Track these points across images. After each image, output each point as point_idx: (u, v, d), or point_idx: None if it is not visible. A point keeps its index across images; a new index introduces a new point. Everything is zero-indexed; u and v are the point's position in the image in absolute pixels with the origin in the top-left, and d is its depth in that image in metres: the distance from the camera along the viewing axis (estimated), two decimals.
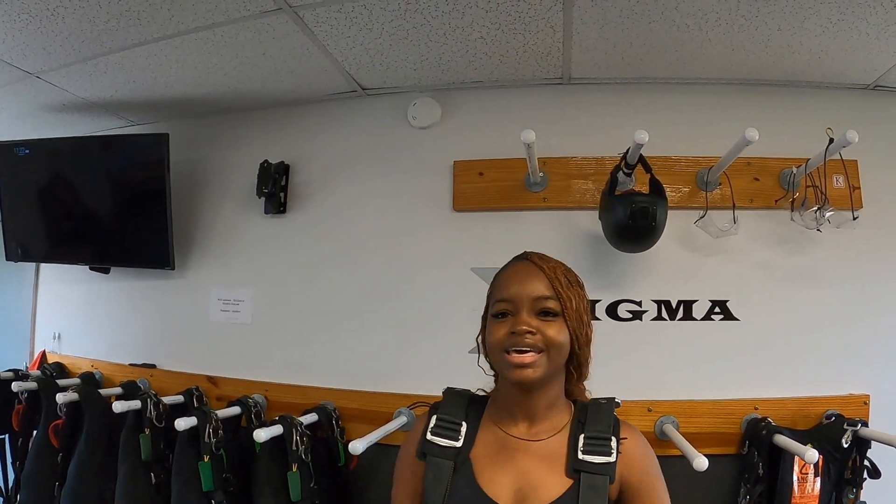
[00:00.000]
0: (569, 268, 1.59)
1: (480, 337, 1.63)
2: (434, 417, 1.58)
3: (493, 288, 1.59)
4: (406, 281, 2.87)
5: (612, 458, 1.45)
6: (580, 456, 1.45)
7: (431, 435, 1.54)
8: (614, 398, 1.61)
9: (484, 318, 1.62)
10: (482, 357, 1.63)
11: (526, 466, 1.47)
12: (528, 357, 1.43)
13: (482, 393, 1.68)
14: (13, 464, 3.10)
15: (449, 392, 1.66)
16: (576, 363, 1.55)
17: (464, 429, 1.55)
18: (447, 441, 1.52)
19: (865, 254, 2.64)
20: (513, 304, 1.48)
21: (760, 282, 2.65)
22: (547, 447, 1.50)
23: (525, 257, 1.59)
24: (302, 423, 2.45)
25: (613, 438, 1.49)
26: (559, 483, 1.43)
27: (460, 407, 1.60)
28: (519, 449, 1.50)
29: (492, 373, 1.63)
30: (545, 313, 1.47)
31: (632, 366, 2.61)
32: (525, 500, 1.42)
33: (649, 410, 2.53)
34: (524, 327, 1.44)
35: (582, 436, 1.49)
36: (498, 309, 1.51)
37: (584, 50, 2.56)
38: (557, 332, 1.46)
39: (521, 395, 1.51)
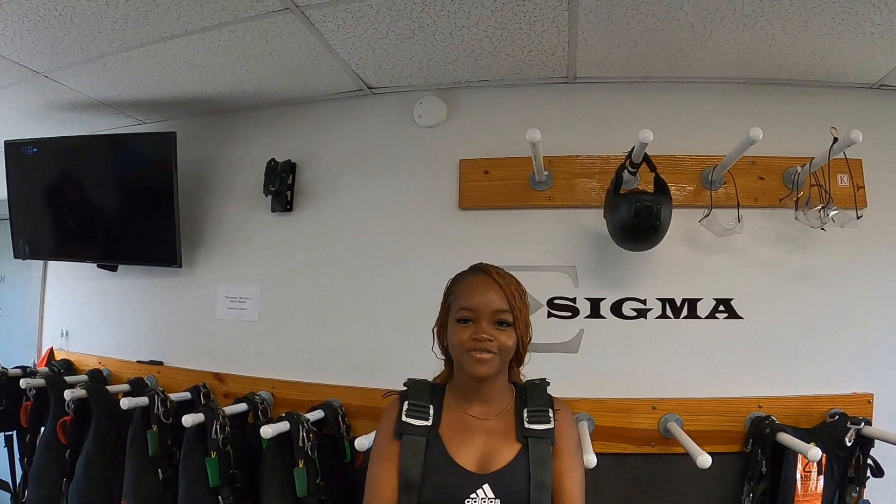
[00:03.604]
0: (518, 281, 1.84)
1: (437, 329, 1.94)
2: (406, 403, 1.82)
3: (455, 294, 1.84)
4: (411, 278, 2.88)
5: (551, 426, 1.75)
6: (526, 425, 1.75)
7: (406, 417, 1.78)
8: (545, 378, 1.88)
9: (442, 314, 1.91)
10: (436, 345, 1.96)
11: (484, 439, 1.74)
12: (486, 356, 1.71)
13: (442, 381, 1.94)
14: (21, 460, 3.11)
15: (412, 382, 1.90)
16: (517, 358, 1.86)
17: (431, 410, 1.80)
18: (420, 421, 1.77)
19: (869, 252, 2.64)
20: (475, 313, 1.74)
21: (765, 280, 2.66)
22: (498, 423, 1.78)
23: (484, 271, 1.84)
24: (308, 420, 2.47)
25: (550, 410, 1.78)
26: (512, 448, 1.72)
27: (426, 393, 1.85)
28: (477, 426, 1.77)
29: (442, 357, 1.95)
30: (500, 323, 1.74)
31: (636, 364, 2.63)
32: (487, 465, 1.69)
33: (654, 408, 2.54)
34: (484, 335, 1.71)
35: (526, 409, 1.78)
36: (461, 315, 1.76)
37: (589, 49, 2.57)
38: (508, 338, 1.74)
39: (476, 383, 1.78)
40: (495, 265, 1.86)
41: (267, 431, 2.28)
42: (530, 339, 1.84)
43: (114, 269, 3.45)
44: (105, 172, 3.28)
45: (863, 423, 2.28)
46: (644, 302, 2.69)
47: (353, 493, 2.64)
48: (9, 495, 3.14)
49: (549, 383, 1.86)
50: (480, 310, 1.72)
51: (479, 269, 1.85)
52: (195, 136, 3.34)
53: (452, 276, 1.91)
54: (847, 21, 2.27)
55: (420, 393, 1.84)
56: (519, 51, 2.59)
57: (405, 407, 1.80)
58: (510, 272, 1.84)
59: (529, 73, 2.80)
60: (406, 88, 3.01)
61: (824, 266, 2.65)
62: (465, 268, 1.87)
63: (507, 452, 1.70)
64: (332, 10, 2.31)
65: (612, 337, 2.67)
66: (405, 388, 1.88)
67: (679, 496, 2.51)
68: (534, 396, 1.81)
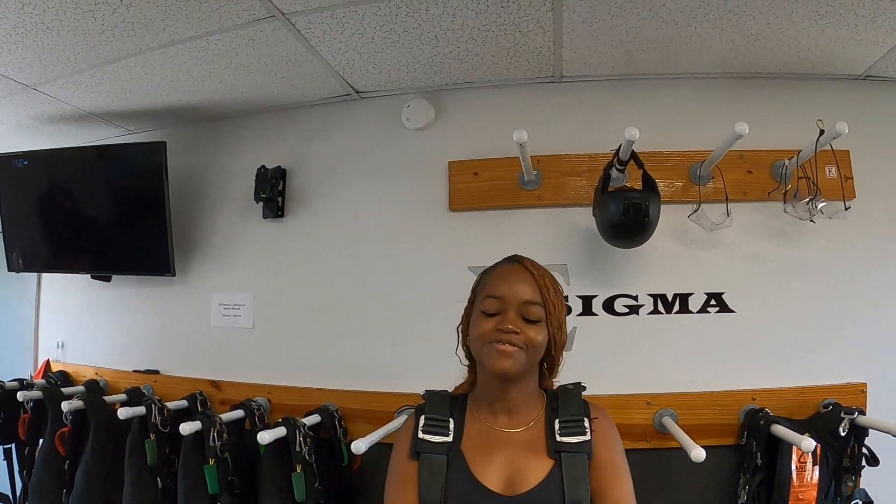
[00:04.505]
0: (554, 277, 1.70)
1: (461, 326, 1.78)
2: (423, 417, 1.67)
3: (482, 284, 1.70)
4: (404, 281, 2.89)
5: (588, 437, 1.58)
6: (558, 438, 1.58)
7: (423, 433, 1.64)
8: (580, 383, 1.72)
9: (468, 310, 1.75)
10: (460, 347, 1.80)
11: (511, 454, 1.58)
12: (510, 349, 1.55)
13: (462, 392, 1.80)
14: (20, 472, 3.11)
15: (430, 393, 1.76)
16: (550, 362, 1.71)
17: (451, 424, 1.65)
18: (439, 437, 1.62)
19: (859, 242, 2.66)
20: (502, 302, 1.59)
21: (755, 273, 2.67)
22: (527, 435, 1.62)
23: (517, 260, 1.70)
24: (305, 425, 2.47)
25: (586, 419, 1.61)
26: (543, 465, 1.55)
27: (444, 405, 1.70)
28: (503, 439, 1.61)
29: (467, 363, 1.79)
30: (530, 316, 1.58)
31: (629, 360, 2.64)
32: (515, 485, 1.53)
33: (648, 404, 2.56)
34: (510, 326, 1.56)
35: (557, 420, 1.61)
36: (487, 305, 1.61)
37: (575, 48, 2.58)
38: (538, 333, 1.58)
39: (500, 388, 1.63)
40: (529, 258, 1.73)
41: (264, 437, 2.27)
42: (564, 342, 1.69)
43: (107, 279, 3.45)
44: (96, 183, 3.28)
45: (857, 413, 2.27)
46: (636, 298, 2.70)
47: (352, 496, 2.65)
48: None
49: (584, 388, 1.71)
50: (508, 299, 1.59)
51: (512, 259, 1.72)
52: (185, 144, 3.35)
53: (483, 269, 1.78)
54: (831, 13, 2.28)
55: (438, 406, 1.70)
56: (504, 52, 2.60)
57: (422, 422, 1.66)
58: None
59: (516, 73, 2.81)
60: (393, 92, 3.01)
61: (814, 257, 2.66)
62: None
63: (537, 470, 1.54)
64: (318, 17, 2.32)
65: (604, 334, 2.68)
66: (422, 402, 1.74)
67: (676, 491, 2.52)
68: (566, 404, 1.66)
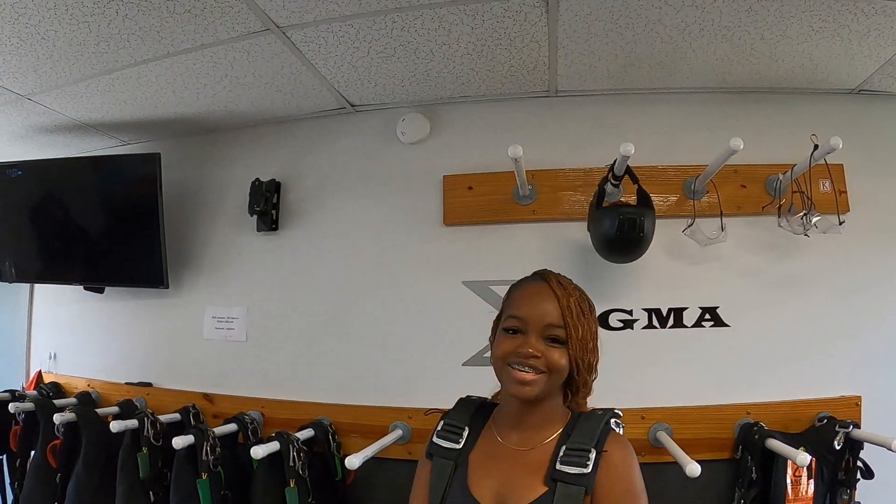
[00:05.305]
0: (583, 294, 1.64)
1: (491, 337, 1.68)
2: (441, 422, 1.70)
3: (507, 301, 1.65)
4: (398, 295, 2.89)
5: (587, 470, 1.46)
6: (557, 466, 1.48)
7: (437, 437, 1.67)
8: (612, 409, 1.63)
9: (495, 323, 1.69)
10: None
11: (510, 472, 1.53)
12: (529, 375, 1.49)
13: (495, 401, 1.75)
14: (11, 485, 3.09)
15: (460, 400, 1.77)
16: (574, 386, 1.59)
17: (465, 433, 1.65)
18: (449, 443, 1.63)
19: (852, 257, 2.66)
20: (524, 323, 1.53)
21: (749, 288, 2.67)
22: (533, 456, 1.54)
23: (544, 277, 1.62)
24: (298, 439, 2.46)
25: (594, 451, 1.49)
26: (535, 490, 1.47)
27: (466, 413, 1.70)
28: (508, 456, 1.57)
29: None
30: (552, 339, 1.51)
31: (624, 374, 2.59)
32: (503, 503, 1.48)
33: (642, 418, 2.55)
34: (530, 350, 1.49)
35: (564, 447, 1.51)
36: (509, 324, 1.56)
37: (570, 63, 2.58)
38: (562, 356, 1.51)
39: (518, 406, 1.58)
40: (559, 273, 1.66)
41: (258, 452, 2.26)
42: (591, 365, 1.59)
43: (100, 290, 3.43)
44: (90, 194, 3.28)
45: (851, 427, 2.28)
46: (630, 313, 2.70)
47: None
48: None
49: (618, 415, 1.63)
50: (530, 321, 1.52)
51: (539, 276, 1.63)
52: (179, 156, 3.33)
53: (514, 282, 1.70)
54: (825, 28, 2.29)
55: (459, 413, 1.71)
56: (500, 66, 2.61)
57: (439, 426, 1.69)
58: (571, 283, 1.64)
59: (511, 87, 2.81)
60: (388, 106, 3.01)
61: (809, 272, 2.67)
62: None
63: (528, 492, 1.47)
64: (314, 31, 2.32)
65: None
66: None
67: None
68: (581, 431, 1.54)
